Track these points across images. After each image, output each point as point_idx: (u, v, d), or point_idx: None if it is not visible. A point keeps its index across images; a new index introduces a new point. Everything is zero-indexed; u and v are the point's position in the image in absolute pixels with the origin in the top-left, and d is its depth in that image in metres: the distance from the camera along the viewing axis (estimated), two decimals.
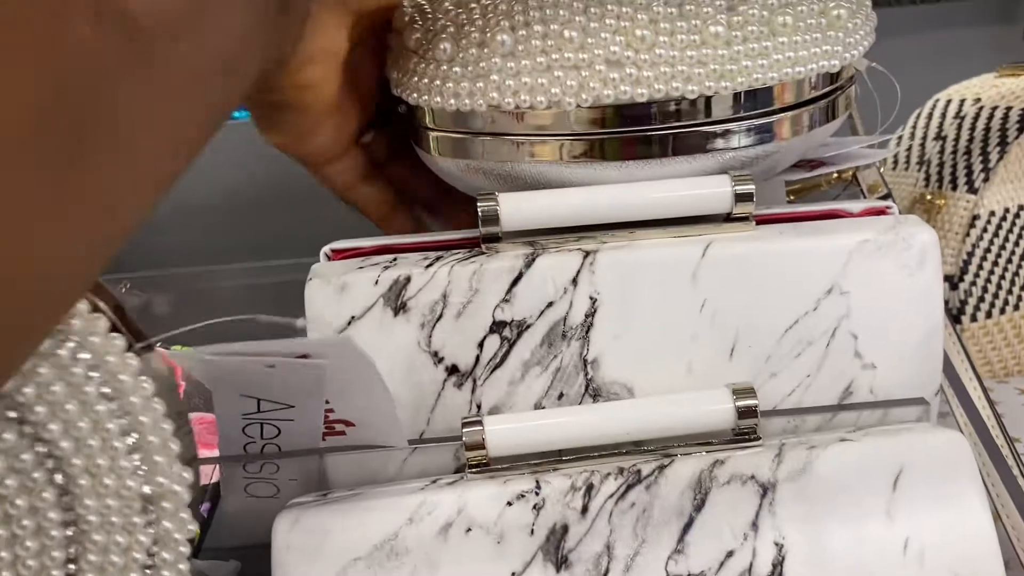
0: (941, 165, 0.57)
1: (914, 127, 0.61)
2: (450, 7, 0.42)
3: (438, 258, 0.39)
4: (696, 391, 0.38)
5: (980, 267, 0.55)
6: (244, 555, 0.44)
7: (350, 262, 0.40)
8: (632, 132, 0.39)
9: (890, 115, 0.61)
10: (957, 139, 0.57)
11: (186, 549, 0.31)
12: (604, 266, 0.39)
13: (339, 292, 0.38)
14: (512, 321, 0.39)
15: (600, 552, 0.35)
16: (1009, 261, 0.55)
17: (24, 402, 0.28)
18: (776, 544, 0.35)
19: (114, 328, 0.30)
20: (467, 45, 0.39)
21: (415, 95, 0.41)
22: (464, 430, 0.37)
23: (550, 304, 0.39)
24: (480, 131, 0.40)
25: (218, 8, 0.25)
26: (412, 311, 0.38)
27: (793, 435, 0.39)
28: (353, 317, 0.38)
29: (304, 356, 0.33)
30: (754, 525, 0.35)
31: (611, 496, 0.36)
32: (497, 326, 0.39)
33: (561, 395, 0.39)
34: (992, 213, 0.55)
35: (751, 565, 0.34)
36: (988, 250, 0.55)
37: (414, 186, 0.48)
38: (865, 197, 0.49)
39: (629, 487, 0.36)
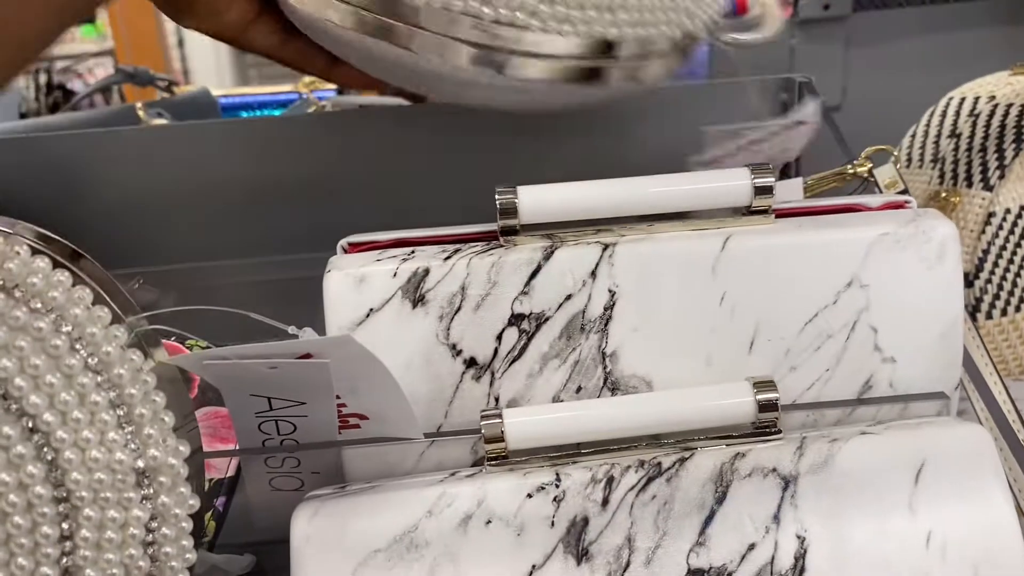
0: (956, 163, 0.57)
1: (927, 125, 0.61)
2: None
3: (456, 251, 0.39)
4: (716, 384, 0.38)
5: (996, 265, 0.55)
6: (259, 549, 0.44)
7: (368, 255, 0.39)
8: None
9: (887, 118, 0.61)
10: (972, 136, 0.57)
11: (188, 525, 0.31)
12: (623, 259, 0.39)
13: (358, 284, 0.38)
14: (531, 314, 0.39)
15: (621, 544, 0.34)
16: None
17: (5, 376, 0.28)
18: (798, 537, 0.34)
19: (98, 301, 0.30)
20: None
21: None
22: (483, 423, 0.36)
23: (569, 297, 0.39)
24: None
25: None
26: (430, 303, 0.38)
27: (813, 429, 0.39)
28: (372, 309, 0.38)
29: (306, 356, 0.32)
30: (776, 518, 0.35)
31: (632, 488, 0.35)
32: (516, 319, 0.38)
33: (579, 388, 0.39)
34: (1008, 211, 0.55)
35: (773, 558, 0.34)
36: (1004, 248, 0.55)
37: None
38: (882, 192, 0.49)
39: (650, 480, 0.35)
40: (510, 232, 0.39)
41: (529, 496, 0.35)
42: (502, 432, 0.36)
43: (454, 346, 0.38)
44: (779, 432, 0.37)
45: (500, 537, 0.35)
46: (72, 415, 0.28)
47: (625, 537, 0.35)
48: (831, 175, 0.49)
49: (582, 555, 0.34)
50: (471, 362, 0.39)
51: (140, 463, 0.30)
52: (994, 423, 0.40)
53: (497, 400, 0.39)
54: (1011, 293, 0.56)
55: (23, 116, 1.06)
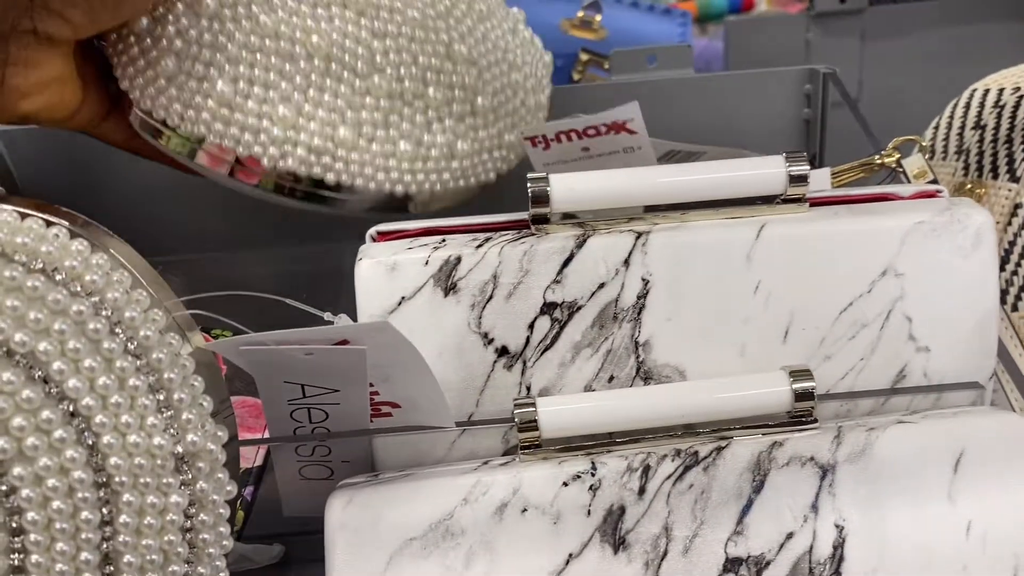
0: (981, 154, 0.57)
1: (951, 116, 0.60)
2: (182, 27, 0.43)
3: (488, 239, 0.39)
4: (752, 374, 0.37)
5: (1022, 256, 0.54)
6: (288, 540, 0.44)
7: (398, 243, 0.39)
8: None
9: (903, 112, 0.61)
10: (997, 128, 0.57)
11: (225, 511, 0.30)
12: (656, 247, 0.38)
13: (389, 272, 0.38)
14: (563, 302, 0.38)
15: (658, 534, 0.34)
16: None
17: (45, 360, 0.28)
18: (837, 526, 0.34)
19: (136, 285, 0.30)
20: (188, 76, 0.43)
21: (131, 86, 0.44)
22: (516, 411, 0.36)
23: (601, 285, 0.38)
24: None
25: None
26: (462, 292, 0.38)
27: (847, 419, 0.38)
28: (403, 298, 0.38)
29: (342, 342, 0.32)
30: (814, 507, 0.34)
31: (668, 477, 0.35)
32: (548, 307, 0.38)
33: (612, 378, 0.39)
34: None
35: (811, 547, 0.34)
36: None
37: None
38: (910, 183, 0.49)
39: (687, 468, 0.35)
40: (542, 220, 0.39)
41: (565, 485, 0.35)
42: (536, 420, 0.36)
43: (486, 335, 0.38)
44: (815, 421, 0.37)
45: (536, 526, 0.34)
46: (112, 399, 0.28)
47: (662, 526, 0.34)
48: (858, 165, 0.49)
49: (619, 544, 0.34)
50: (503, 351, 0.38)
51: (179, 448, 0.29)
52: None
53: (528, 389, 0.39)
54: None
55: None
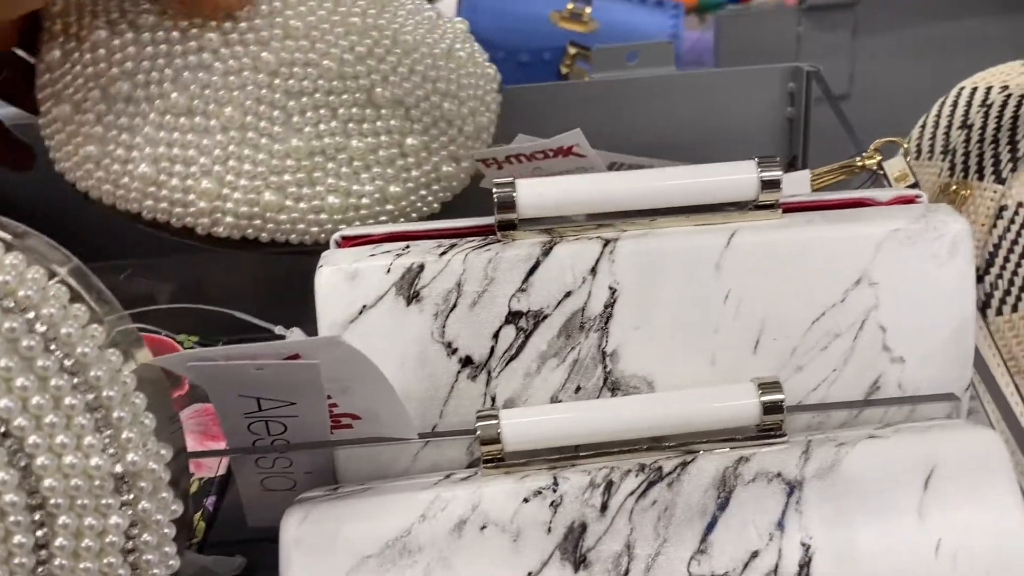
0: (967, 154, 0.56)
1: (938, 115, 0.59)
2: (100, 112, 0.44)
3: (452, 246, 0.38)
4: (720, 385, 0.36)
5: (1007, 260, 0.53)
6: (253, 548, 0.43)
7: (361, 249, 0.38)
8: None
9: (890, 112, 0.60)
10: (984, 127, 0.55)
11: (170, 531, 0.30)
12: (624, 255, 0.37)
13: (350, 280, 0.37)
14: (528, 311, 0.37)
15: (620, 552, 0.33)
16: None
17: None
18: (803, 544, 0.33)
19: (76, 299, 0.29)
20: (112, 159, 0.43)
21: (63, 167, 0.45)
22: (479, 424, 0.35)
23: (568, 294, 0.37)
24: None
25: None
26: (425, 300, 0.37)
27: (818, 431, 0.38)
28: (365, 306, 0.37)
29: (294, 356, 0.31)
30: (780, 525, 0.34)
31: (631, 493, 0.34)
32: (513, 316, 0.37)
33: (578, 388, 0.38)
34: (1020, 204, 0.53)
35: (777, 566, 0.33)
36: (1016, 242, 0.53)
37: None
38: (891, 186, 0.48)
39: (650, 484, 0.34)
40: (508, 227, 0.38)
41: (525, 501, 0.34)
42: (498, 434, 0.35)
43: (449, 344, 0.37)
44: (783, 435, 0.36)
45: (495, 543, 0.34)
46: (46, 419, 0.27)
47: (624, 544, 0.34)
48: (839, 167, 0.48)
49: (580, 562, 0.33)
50: (467, 361, 0.37)
51: (118, 468, 0.28)
52: (1006, 425, 0.39)
53: (494, 400, 0.38)
54: (1022, 288, 0.54)
55: None
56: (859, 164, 0.48)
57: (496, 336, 0.37)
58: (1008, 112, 0.55)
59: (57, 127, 0.44)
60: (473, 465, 0.38)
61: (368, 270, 0.37)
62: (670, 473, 0.35)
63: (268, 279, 0.54)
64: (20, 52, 0.47)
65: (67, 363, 0.27)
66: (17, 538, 0.26)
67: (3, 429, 0.27)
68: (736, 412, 0.36)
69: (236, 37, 0.42)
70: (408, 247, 0.38)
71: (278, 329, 0.36)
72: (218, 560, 0.40)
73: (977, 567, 0.33)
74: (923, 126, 0.60)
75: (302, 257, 0.49)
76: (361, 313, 0.37)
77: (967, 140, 0.56)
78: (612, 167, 0.54)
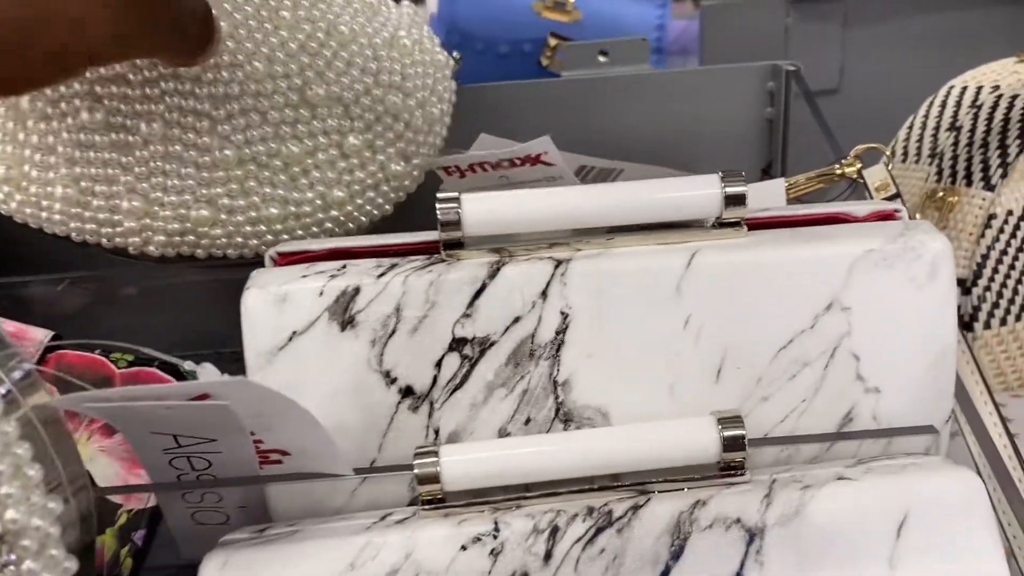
0: (955, 158, 0.53)
1: (926, 116, 0.56)
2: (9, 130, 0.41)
3: (392, 266, 0.35)
4: (677, 419, 0.34)
5: (995, 271, 0.51)
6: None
7: (294, 269, 0.35)
8: None
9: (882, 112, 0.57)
10: (973, 130, 0.53)
11: None
12: (577, 277, 0.35)
13: (279, 303, 0.34)
14: (474, 338, 0.35)
15: None
16: None
17: None
18: None
19: None
20: (31, 182, 0.41)
21: None
22: (416, 461, 0.33)
23: (517, 319, 0.35)
24: None
25: None
26: (361, 326, 0.34)
27: (785, 466, 0.35)
28: (295, 332, 0.34)
29: (203, 396, 0.29)
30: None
31: (578, 540, 0.32)
32: (457, 343, 0.35)
33: (528, 420, 0.35)
34: (1010, 212, 0.50)
35: None
36: (1005, 252, 0.50)
37: None
38: (871, 197, 0.45)
39: (599, 530, 0.32)
40: (453, 246, 0.35)
41: (463, 548, 0.32)
42: (437, 472, 0.32)
43: (388, 373, 0.35)
44: (744, 473, 0.33)
45: None
46: None
47: None
48: (816, 176, 0.45)
49: None
50: (407, 391, 0.35)
51: None
52: (987, 460, 0.37)
53: (437, 433, 0.35)
54: (1011, 301, 0.51)
55: None
56: (838, 172, 0.45)
57: (439, 364, 0.35)
58: (999, 114, 0.52)
59: None
60: (416, 502, 0.35)
61: (298, 293, 0.34)
62: (620, 517, 0.32)
63: (220, 285, 0.52)
64: None
65: None
66: None
67: None
68: (694, 449, 0.33)
69: None
70: (345, 267, 0.35)
71: (187, 364, 0.33)
72: None
73: None
74: (910, 127, 0.57)
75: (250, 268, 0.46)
76: (291, 340, 0.34)
77: (955, 143, 0.53)
78: (581, 171, 0.51)
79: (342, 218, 0.44)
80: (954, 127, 0.54)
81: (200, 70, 0.39)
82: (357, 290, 0.34)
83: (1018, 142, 0.51)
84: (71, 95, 0.39)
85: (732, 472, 0.33)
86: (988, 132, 0.52)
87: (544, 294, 0.35)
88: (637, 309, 0.35)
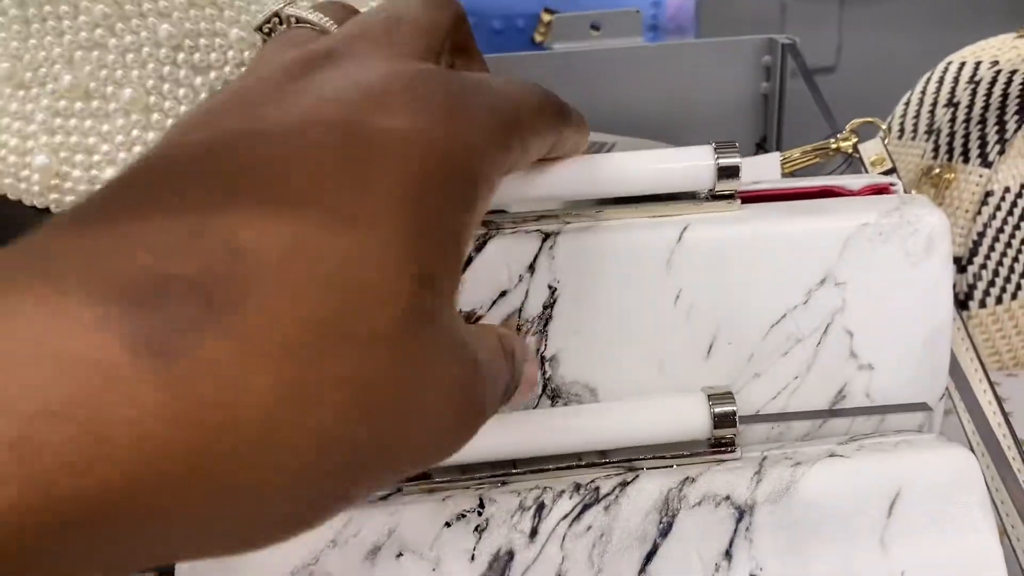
0: (952, 135, 0.52)
1: (923, 92, 0.56)
2: None
3: None
4: (667, 395, 0.33)
5: (992, 248, 0.50)
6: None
7: None
8: None
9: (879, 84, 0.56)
10: (971, 106, 0.52)
11: None
12: (566, 250, 0.34)
13: None
14: (460, 312, 0.34)
15: None
16: None
17: None
18: None
19: None
20: None
21: None
22: None
23: (503, 293, 0.34)
24: None
25: None
26: None
27: (776, 444, 0.34)
28: None
29: None
30: (728, 554, 0.30)
31: (564, 517, 0.31)
32: None
33: None
34: (1007, 189, 0.50)
35: None
36: (1001, 230, 0.50)
37: None
38: (867, 172, 0.44)
39: (585, 507, 0.31)
40: None
41: (448, 525, 0.31)
42: None
43: None
44: (735, 450, 0.33)
45: (413, 572, 0.30)
46: None
47: (555, 574, 0.30)
48: (812, 150, 0.44)
49: None
50: None
51: None
52: (980, 438, 0.36)
53: None
54: (1007, 280, 0.51)
55: None
56: (833, 146, 0.44)
57: None
58: (997, 90, 0.51)
59: None
60: None
61: None
62: (608, 495, 0.31)
63: None
64: None
65: None
66: None
67: None
68: (684, 425, 0.32)
69: (133, 9, 0.38)
70: None
71: None
72: None
73: None
74: (907, 103, 0.56)
75: None
76: None
77: (953, 120, 0.52)
78: None
79: None
80: (951, 103, 0.53)
81: (181, 38, 0.38)
82: None
83: (1016, 118, 0.50)
84: (49, 60, 0.38)
85: (722, 449, 0.33)
86: (986, 108, 0.51)
87: (531, 268, 0.34)
88: (627, 284, 0.34)
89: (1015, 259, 0.50)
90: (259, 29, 0.32)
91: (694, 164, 0.34)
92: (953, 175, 0.51)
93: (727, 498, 0.31)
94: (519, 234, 0.34)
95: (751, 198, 0.36)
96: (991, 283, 0.50)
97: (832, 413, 0.35)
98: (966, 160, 0.51)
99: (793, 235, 0.34)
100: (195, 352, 0.16)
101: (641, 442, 0.33)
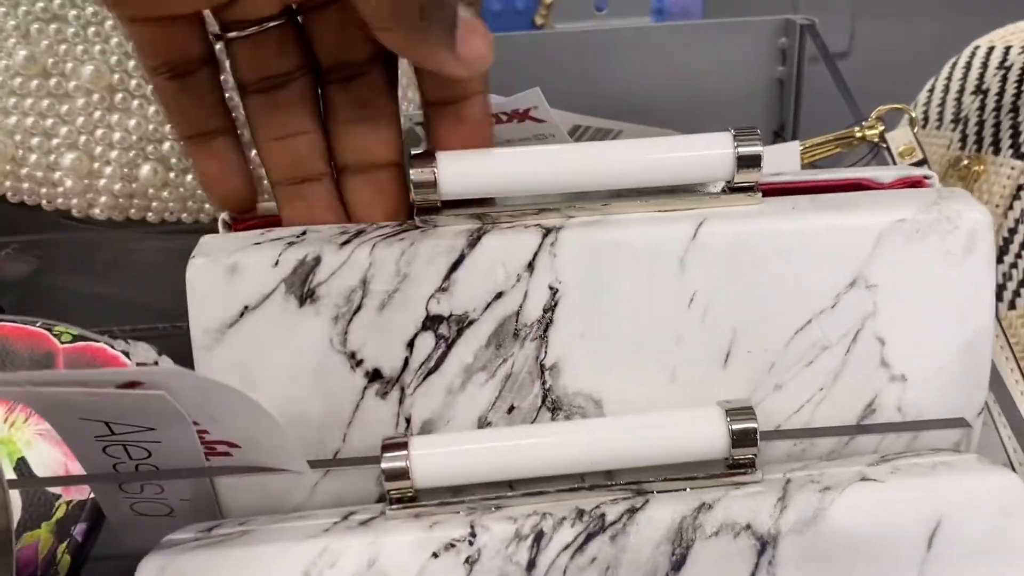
0: (981, 124, 0.49)
1: (948, 78, 0.52)
2: None
3: (358, 233, 0.31)
4: (680, 409, 0.30)
5: None
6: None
7: (246, 236, 0.31)
8: None
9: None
10: (1001, 93, 0.48)
11: None
12: (569, 248, 0.31)
13: (229, 275, 0.30)
14: (451, 316, 0.31)
15: None
16: None
17: None
18: None
19: None
20: None
21: None
22: (384, 455, 0.29)
23: (499, 295, 0.31)
24: None
25: None
26: (323, 301, 0.30)
27: (799, 463, 0.31)
28: (247, 307, 0.30)
29: (133, 383, 0.25)
30: None
31: (566, 548, 0.28)
32: (432, 321, 0.31)
33: (512, 408, 0.31)
34: None
35: None
36: None
37: None
38: (894, 163, 0.41)
39: (589, 537, 0.28)
40: (428, 211, 0.31)
41: (435, 556, 0.28)
42: (407, 467, 0.29)
43: (353, 355, 0.31)
44: (755, 471, 0.29)
45: None
46: None
47: None
48: (834, 139, 0.41)
49: None
50: (375, 375, 0.31)
51: None
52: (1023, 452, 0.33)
53: (408, 422, 0.31)
54: None
55: None
56: (858, 135, 0.41)
57: (411, 345, 0.31)
58: None
59: None
60: (384, 498, 0.31)
61: (251, 264, 0.30)
62: (615, 523, 0.28)
63: (176, 253, 0.47)
64: None
65: None
66: None
67: None
68: (699, 443, 0.29)
69: None
70: (304, 233, 0.31)
71: (119, 344, 0.29)
72: None
73: None
74: (931, 90, 0.53)
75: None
76: (242, 316, 0.30)
77: (982, 108, 0.49)
78: (576, 131, 0.47)
79: None
80: (980, 90, 0.50)
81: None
82: (317, 260, 0.30)
83: None
84: (3, 33, 0.35)
85: (741, 470, 0.29)
86: (1018, 95, 0.48)
87: (531, 267, 0.31)
88: (636, 285, 0.31)
89: None
90: None
91: (711, 153, 0.31)
92: (983, 167, 0.47)
93: (747, 527, 0.28)
94: (517, 229, 0.31)
95: (773, 190, 0.32)
96: (1022, 283, 0.47)
97: (862, 429, 0.32)
98: (997, 151, 0.47)
99: (820, 232, 0.31)
100: None
101: (651, 462, 0.29)
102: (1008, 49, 0.50)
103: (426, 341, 0.31)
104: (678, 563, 0.28)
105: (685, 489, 0.29)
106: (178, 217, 0.38)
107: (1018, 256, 0.47)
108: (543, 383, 0.31)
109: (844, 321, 0.31)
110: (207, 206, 0.38)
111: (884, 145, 0.41)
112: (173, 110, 0.31)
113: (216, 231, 0.33)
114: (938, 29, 0.61)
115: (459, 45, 0.29)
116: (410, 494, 0.29)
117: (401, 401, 0.31)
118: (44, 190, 0.37)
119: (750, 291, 0.31)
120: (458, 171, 0.31)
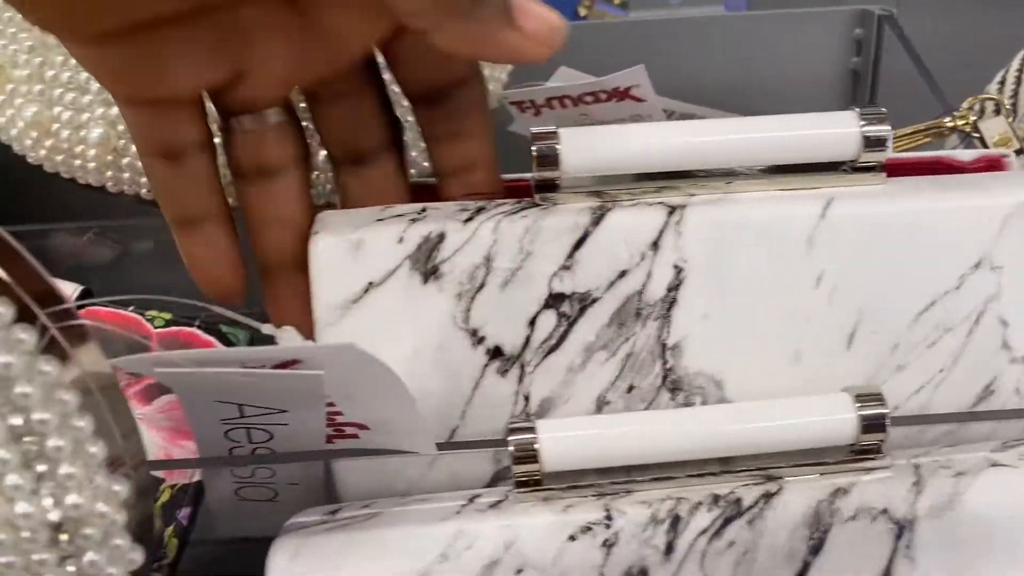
0: None
1: (1019, 70, 0.51)
2: None
3: (480, 210, 0.30)
4: (807, 396, 0.30)
5: None
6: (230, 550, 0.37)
7: (367, 211, 0.31)
8: None
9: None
10: None
11: None
12: (694, 226, 0.30)
13: (353, 251, 0.30)
14: (573, 294, 0.30)
15: None
16: None
17: None
18: None
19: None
20: None
21: None
22: (512, 438, 0.28)
23: (623, 273, 0.30)
24: None
25: None
26: (446, 278, 0.30)
27: (921, 448, 0.31)
28: (371, 283, 0.30)
29: (290, 363, 0.24)
30: (887, 574, 0.27)
31: (703, 532, 0.28)
32: (554, 299, 0.30)
33: (631, 388, 0.31)
34: None
35: None
36: None
37: None
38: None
39: (727, 521, 0.28)
40: (548, 188, 0.31)
41: (571, 539, 0.28)
42: (536, 450, 0.28)
43: (475, 332, 0.30)
44: (882, 456, 0.29)
45: None
46: None
47: None
48: (925, 129, 0.40)
49: None
50: (496, 352, 0.30)
51: (55, 515, 0.22)
52: None
53: (527, 400, 0.31)
54: None
55: None
56: (949, 125, 0.40)
57: (532, 323, 0.30)
58: None
59: None
60: (500, 478, 0.31)
61: (376, 239, 0.30)
62: (751, 507, 0.28)
63: None
64: None
65: None
66: None
67: None
68: (828, 429, 0.29)
69: None
70: (425, 210, 0.31)
71: (267, 328, 0.29)
72: None
73: None
74: (1002, 82, 0.52)
75: None
76: (366, 292, 0.30)
77: None
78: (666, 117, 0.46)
79: None
80: None
81: None
82: (442, 236, 0.30)
83: None
84: None
85: (869, 456, 0.29)
86: None
87: (655, 245, 0.30)
88: (762, 264, 0.30)
89: None
90: None
91: (837, 131, 0.31)
92: None
93: (884, 512, 0.28)
94: (640, 207, 0.30)
95: (895, 169, 0.32)
96: None
97: (988, 415, 0.31)
98: None
99: (947, 212, 0.30)
100: None
101: (779, 448, 0.29)
102: None
103: (548, 319, 0.30)
104: (816, 547, 0.27)
105: (815, 475, 0.29)
106: None
107: None
108: (664, 363, 0.31)
109: (968, 302, 0.31)
110: None
111: (977, 135, 0.40)
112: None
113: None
114: (1003, 19, 0.60)
115: (521, 20, 0.27)
116: (537, 477, 0.29)
117: (521, 379, 0.31)
118: (143, 179, 0.36)
119: (877, 271, 0.30)
120: (582, 147, 0.30)
